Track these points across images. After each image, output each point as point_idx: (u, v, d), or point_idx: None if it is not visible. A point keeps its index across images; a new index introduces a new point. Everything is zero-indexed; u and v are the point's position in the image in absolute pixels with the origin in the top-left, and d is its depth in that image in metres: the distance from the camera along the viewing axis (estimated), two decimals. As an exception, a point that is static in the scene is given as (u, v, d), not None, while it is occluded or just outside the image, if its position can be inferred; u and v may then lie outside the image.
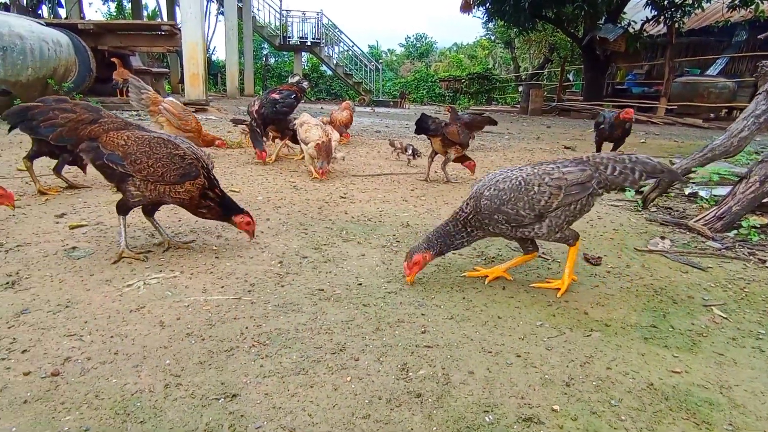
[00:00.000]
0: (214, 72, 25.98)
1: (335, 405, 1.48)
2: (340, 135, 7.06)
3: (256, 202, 3.81)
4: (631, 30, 16.55)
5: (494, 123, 8.20)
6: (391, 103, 22.79)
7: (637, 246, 3.15)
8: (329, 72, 27.82)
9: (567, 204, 2.22)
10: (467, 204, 2.33)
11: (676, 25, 15.85)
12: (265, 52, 31.00)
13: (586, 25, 17.30)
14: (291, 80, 5.60)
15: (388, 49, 48.41)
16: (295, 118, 5.33)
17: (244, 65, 20.45)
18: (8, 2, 16.54)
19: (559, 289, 2.37)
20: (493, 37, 31.87)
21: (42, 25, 9.21)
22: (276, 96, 5.28)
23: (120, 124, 2.68)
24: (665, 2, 16.16)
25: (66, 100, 2.66)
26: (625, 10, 18.09)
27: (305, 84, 5.71)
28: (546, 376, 1.68)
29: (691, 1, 15.34)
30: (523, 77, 27.60)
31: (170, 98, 5.60)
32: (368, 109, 18.70)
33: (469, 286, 2.41)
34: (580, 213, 2.29)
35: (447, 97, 27.30)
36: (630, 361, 1.80)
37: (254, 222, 2.70)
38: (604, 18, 17.11)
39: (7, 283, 2.20)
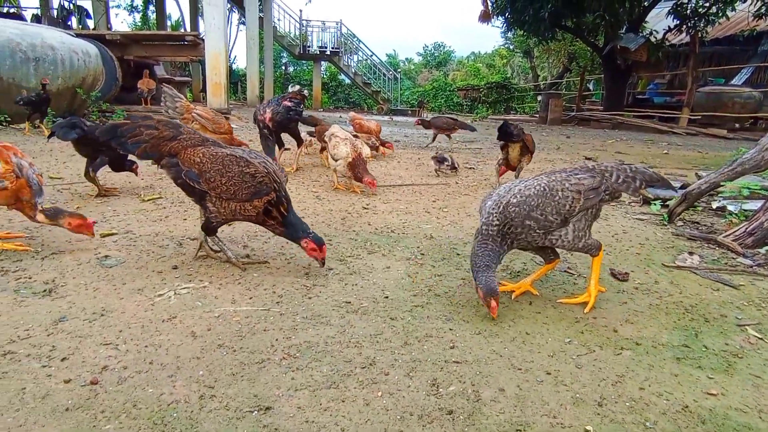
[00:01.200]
0: (234, 81, 26.43)
1: (368, 420, 1.48)
2: (383, 145, 7.02)
3: (281, 212, 3.85)
4: (652, 39, 16.39)
5: (471, 129, 8.42)
6: (410, 111, 22.87)
7: (664, 261, 3.10)
8: (347, 81, 28.08)
9: (586, 208, 2.28)
10: (491, 217, 2.27)
11: (700, 35, 15.64)
12: (284, 61, 31.45)
13: (607, 34, 17.17)
14: (292, 89, 5.64)
15: (406, 58, 48.71)
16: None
17: (265, 74, 20.75)
18: (40, 14, 17.08)
19: (586, 303, 2.36)
20: (511, 46, 31.82)
21: (72, 36, 9.49)
22: (289, 103, 5.31)
23: (197, 141, 2.63)
24: (688, 11, 15.99)
25: (150, 117, 2.68)
26: (646, 19, 17.93)
27: (305, 92, 5.84)
28: (577, 395, 1.67)
29: (715, 10, 15.14)
30: (542, 86, 27.45)
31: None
32: (386, 117, 18.79)
33: (496, 301, 2.40)
34: (594, 219, 2.39)
35: (465, 106, 27.30)
36: (663, 381, 1.77)
37: (323, 249, 2.51)
38: (625, 27, 16.97)
39: (45, 290, 2.26)
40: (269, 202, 2.51)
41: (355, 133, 6.33)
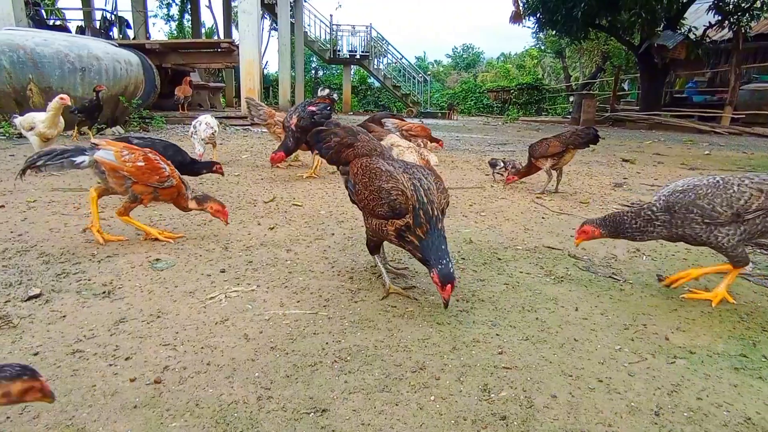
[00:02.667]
0: (266, 85, 26.92)
1: (422, 424, 1.50)
2: (433, 141, 6.68)
3: (320, 217, 3.91)
4: (691, 36, 15.89)
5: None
6: (439, 114, 22.83)
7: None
8: (377, 84, 28.22)
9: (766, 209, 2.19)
10: (657, 201, 2.37)
11: (743, 30, 15.07)
12: (314, 65, 31.87)
13: (643, 32, 16.73)
14: (321, 93, 5.64)
15: (435, 60, 48.64)
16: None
17: (296, 78, 21.06)
18: (84, 25, 17.83)
19: (710, 300, 2.45)
20: (542, 47, 31.38)
21: (115, 46, 9.88)
22: (313, 108, 5.27)
23: (366, 150, 2.54)
24: (730, 6, 15.44)
25: (338, 124, 2.76)
26: (685, 15, 17.39)
27: (335, 95, 5.83)
28: (632, 404, 1.64)
29: (759, 5, 14.57)
30: (574, 87, 26.96)
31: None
32: (416, 121, 18.79)
33: (541, 306, 2.39)
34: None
35: (495, 108, 27.05)
36: (722, 392, 1.72)
37: (446, 289, 2.08)
38: (662, 25, 16.51)
39: (104, 292, 2.37)
40: (401, 227, 2.21)
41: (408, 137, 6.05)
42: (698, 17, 18.00)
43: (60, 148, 2.88)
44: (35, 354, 1.80)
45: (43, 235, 3.16)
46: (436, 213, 2.20)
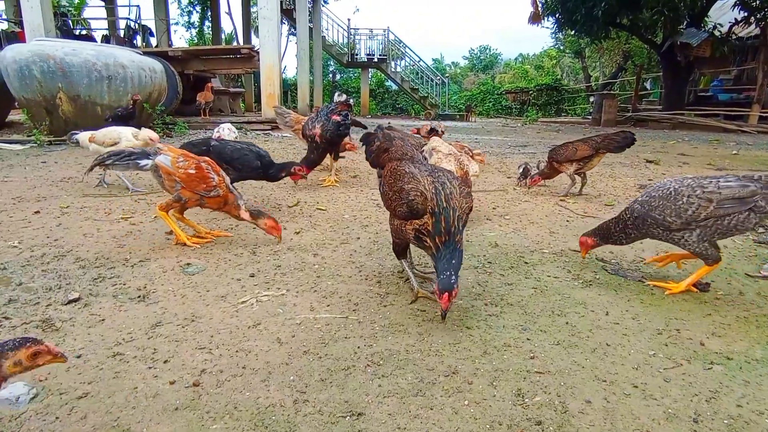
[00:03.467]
0: (284, 90, 27.19)
1: (458, 428, 1.51)
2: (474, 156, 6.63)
3: (344, 221, 3.95)
4: (717, 33, 15.56)
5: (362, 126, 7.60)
6: (457, 116, 22.76)
7: (747, 271, 2.95)
8: (394, 87, 28.28)
9: (717, 216, 2.36)
10: (629, 208, 2.66)
11: (770, 26, 14.72)
12: (331, 69, 32.07)
13: (666, 30, 16.45)
14: (339, 98, 5.45)
15: (452, 62, 48.50)
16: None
17: (314, 83, 21.25)
18: (108, 34, 18.27)
19: (671, 290, 2.60)
20: (561, 47, 31.06)
21: (140, 54, 10.09)
22: (338, 118, 5.08)
23: (399, 155, 2.56)
24: (756, 2, 15.08)
25: (381, 127, 2.83)
26: (708, 13, 17.05)
27: (351, 101, 5.71)
28: (669, 410, 1.63)
29: (787, 0, 14.23)
30: (594, 87, 26.61)
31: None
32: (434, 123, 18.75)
33: (571, 311, 2.37)
34: (736, 230, 2.41)
35: (514, 110, 26.85)
36: (763, 399, 1.69)
37: (443, 298, 2.03)
38: (685, 22, 16.20)
39: (139, 296, 2.43)
40: (420, 228, 2.20)
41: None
42: (723, 14, 17.61)
43: (128, 150, 3.07)
44: (78, 356, 1.86)
45: (78, 240, 3.26)
46: (455, 224, 2.16)
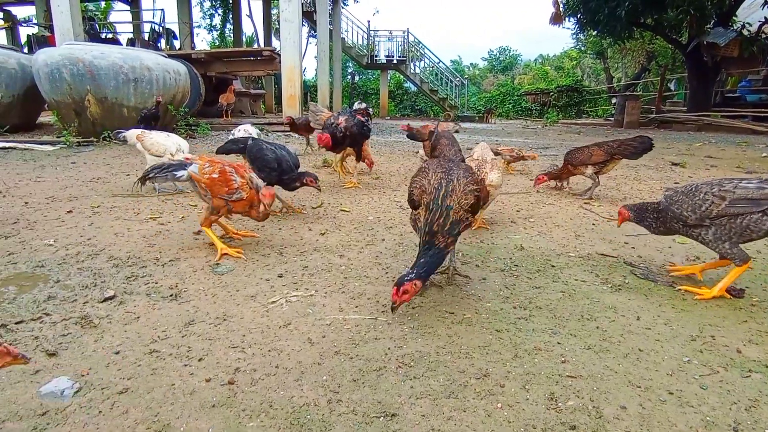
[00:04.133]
0: (304, 91, 27.41)
1: (492, 431, 1.51)
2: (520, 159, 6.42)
3: (368, 222, 3.96)
4: (745, 32, 15.19)
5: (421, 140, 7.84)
6: (477, 118, 22.65)
7: (783, 277, 2.88)
8: (413, 88, 28.26)
9: (730, 215, 2.40)
10: (661, 201, 2.72)
11: (802, 26, 14.32)
12: (350, 70, 32.20)
13: (692, 30, 16.11)
14: (359, 106, 5.80)
15: (471, 63, 48.28)
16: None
17: (333, 84, 21.37)
18: (133, 37, 18.67)
19: (702, 295, 2.56)
20: (582, 48, 30.67)
21: (165, 57, 10.28)
22: (362, 118, 5.32)
23: (438, 153, 2.76)
24: (787, 1, 14.69)
25: (428, 125, 3.05)
26: (737, 12, 16.66)
27: (370, 110, 6.13)
28: (707, 418, 1.60)
29: (819, -1, 13.82)
30: (616, 88, 26.20)
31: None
32: (453, 125, 18.69)
33: (601, 315, 2.35)
34: (752, 231, 2.40)
35: (534, 111, 26.61)
36: (804, 408, 1.65)
37: (395, 291, 2.05)
38: (712, 22, 15.86)
39: (171, 295, 2.48)
40: (415, 218, 2.37)
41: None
42: (752, 12, 17.20)
43: (167, 162, 3.19)
44: (116, 353, 1.91)
45: (110, 239, 3.34)
46: (439, 222, 2.18)
